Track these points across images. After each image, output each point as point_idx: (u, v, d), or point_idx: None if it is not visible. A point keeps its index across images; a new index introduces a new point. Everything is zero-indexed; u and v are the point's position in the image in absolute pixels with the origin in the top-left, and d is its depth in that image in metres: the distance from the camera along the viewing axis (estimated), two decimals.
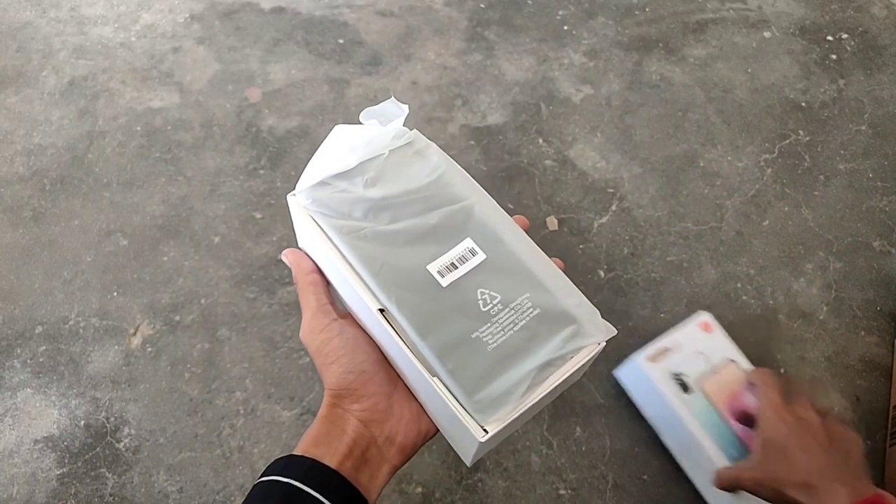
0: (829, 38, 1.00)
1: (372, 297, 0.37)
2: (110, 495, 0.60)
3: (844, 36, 1.01)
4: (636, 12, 1.02)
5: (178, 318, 0.70)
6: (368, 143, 0.41)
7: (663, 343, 0.63)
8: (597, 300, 0.73)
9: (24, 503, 0.60)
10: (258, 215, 0.78)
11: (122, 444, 0.63)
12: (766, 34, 1.00)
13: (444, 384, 0.34)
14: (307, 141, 0.85)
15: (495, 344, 0.35)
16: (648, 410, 0.65)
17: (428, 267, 0.37)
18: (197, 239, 0.76)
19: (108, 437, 0.63)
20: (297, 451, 0.37)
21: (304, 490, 0.35)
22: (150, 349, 0.68)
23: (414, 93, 0.90)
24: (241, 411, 0.65)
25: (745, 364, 0.63)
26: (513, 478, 0.63)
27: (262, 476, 0.37)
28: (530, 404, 0.34)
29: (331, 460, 0.36)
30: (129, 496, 0.60)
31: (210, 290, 0.72)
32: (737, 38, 0.99)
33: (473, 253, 0.38)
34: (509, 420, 0.34)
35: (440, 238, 0.38)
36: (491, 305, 0.36)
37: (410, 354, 0.35)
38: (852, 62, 0.97)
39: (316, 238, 0.39)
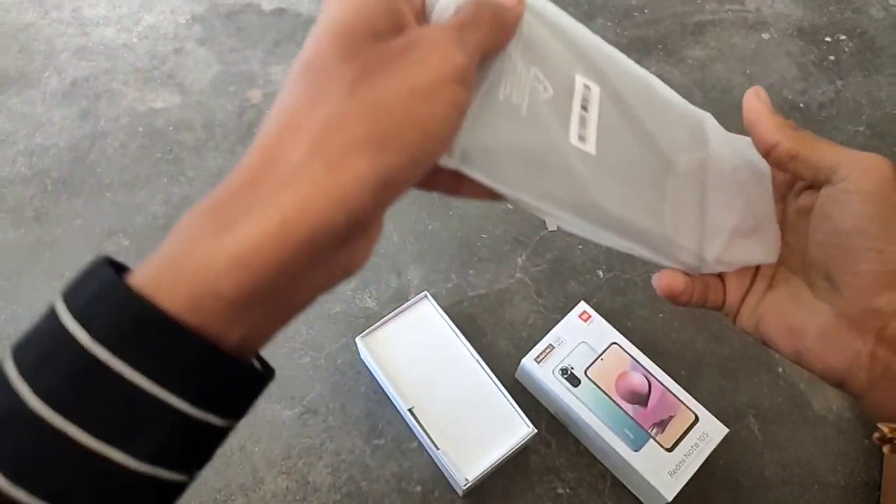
0: (828, 39, 1.01)
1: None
2: None
3: (843, 37, 1.01)
4: (635, 14, 1.02)
5: None
6: None
7: (547, 341, 0.65)
8: (596, 300, 0.73)
9: None
10: None
11: None
12: (765, 36, 1.01)
13: None
14: None
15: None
16: (548, 407, 0.67)
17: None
18: None
19: None
20: None
21: None
22: None
23: None
24: None
25: (629, 346, 0.64)
26: (511, 477, 0.63)
27: None
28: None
29: None
30: None
31: None
32: (735, 40, 1.00)
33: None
34: None
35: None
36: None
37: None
38: (850, 63, 0.98)
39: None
